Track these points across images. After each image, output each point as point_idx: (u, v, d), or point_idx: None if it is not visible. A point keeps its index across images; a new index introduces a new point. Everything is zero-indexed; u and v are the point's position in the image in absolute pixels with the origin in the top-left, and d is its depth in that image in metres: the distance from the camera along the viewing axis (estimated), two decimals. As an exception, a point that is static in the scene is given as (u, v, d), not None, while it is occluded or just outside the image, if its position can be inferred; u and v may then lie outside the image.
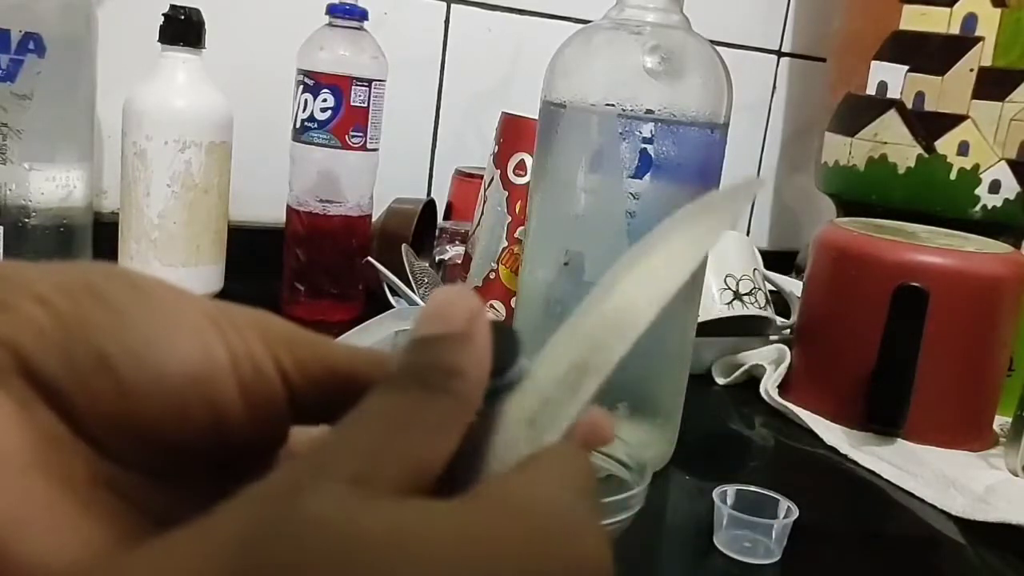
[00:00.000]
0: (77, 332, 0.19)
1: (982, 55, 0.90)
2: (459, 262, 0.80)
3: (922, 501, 0.60)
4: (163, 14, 0.73)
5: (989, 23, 0.90)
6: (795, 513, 0.49)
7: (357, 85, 0.76)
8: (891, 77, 0.95)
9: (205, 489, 0.20)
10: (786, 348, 0.77)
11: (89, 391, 0.19)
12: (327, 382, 0.22)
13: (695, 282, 0.57)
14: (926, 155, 0.94)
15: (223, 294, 0.81)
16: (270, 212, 0.87)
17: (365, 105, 0.77)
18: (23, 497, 0.18)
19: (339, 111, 0.76)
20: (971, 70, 0.91)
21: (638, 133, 0.52)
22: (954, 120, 0.92)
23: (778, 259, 1.10)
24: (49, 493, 0.18)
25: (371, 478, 0.17)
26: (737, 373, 0.77)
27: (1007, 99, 0.90)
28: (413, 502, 0.17)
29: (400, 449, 0.18)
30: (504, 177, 0.72)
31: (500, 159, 0.72)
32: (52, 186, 0.72)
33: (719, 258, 0.76)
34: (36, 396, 0.19)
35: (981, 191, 0.93)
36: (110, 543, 0.19)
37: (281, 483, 0.17)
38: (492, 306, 0.73)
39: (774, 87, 1.23)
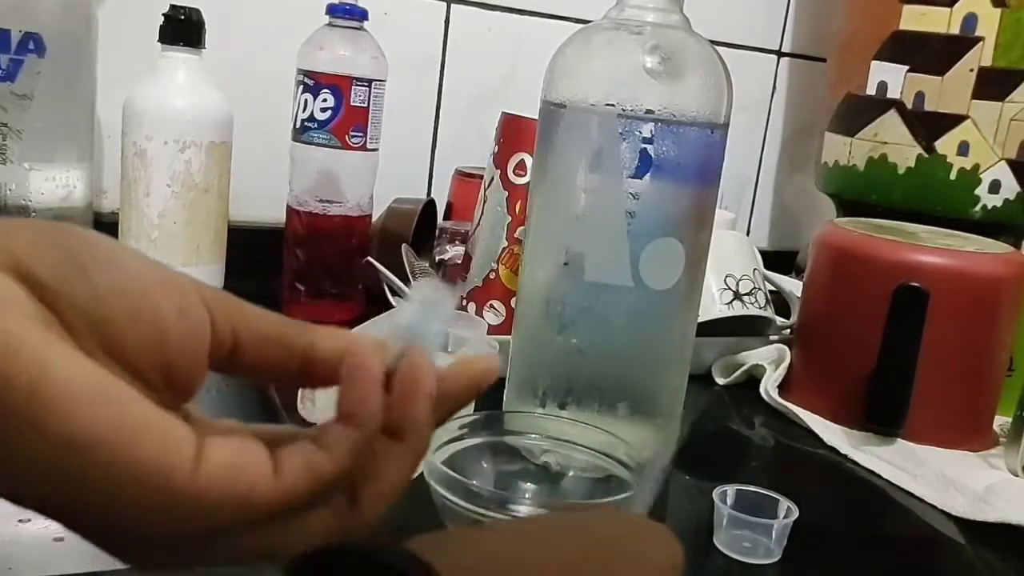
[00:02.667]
0: (62, 245, 0.24)
1: (982, 55, 0.90)
2: (459, 262, 0.80)
3: (922, 501, 0.60)
4: (163, 14, 0.73)
5: (989, 23, 0.90)
6: (795, 513, 0.49)
7: (357, 85, 0.76)
8: (891, 77, 0.95)
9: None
10: (786, 348, 0.77)
11: (71, 293, 0.23)
12: (242, 325, 0.27)
13: (695, 283, 0.57)
14: (926, 155, 0.94)
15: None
16: (270, 212, 0.87)
17: (365, 105, 0.77)
18: (47, 333, 0.23)
19: (339, 111, 0.76)
20: (971, 70, 0.91)
21: (638, 133, 0.52)
22: (954, 120, 0.92)
23: (778, 259, 1.10)
24: (63, 340, 0.23)
25: None
26: (737, 373, 0.77)
27: (1007, 99, 0.90)
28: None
29: None
30: (504, 177, 0.72)
31: (500, 159, 0.72)
32: (52, 186, 0.72)
33: (719, 258, 0.76)
34: (28, 290, 0.23)
35: (981, 191, 0.93)
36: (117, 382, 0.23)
37: None
38: (492, 306, 0.73)
39: (774, 87, 1.23)
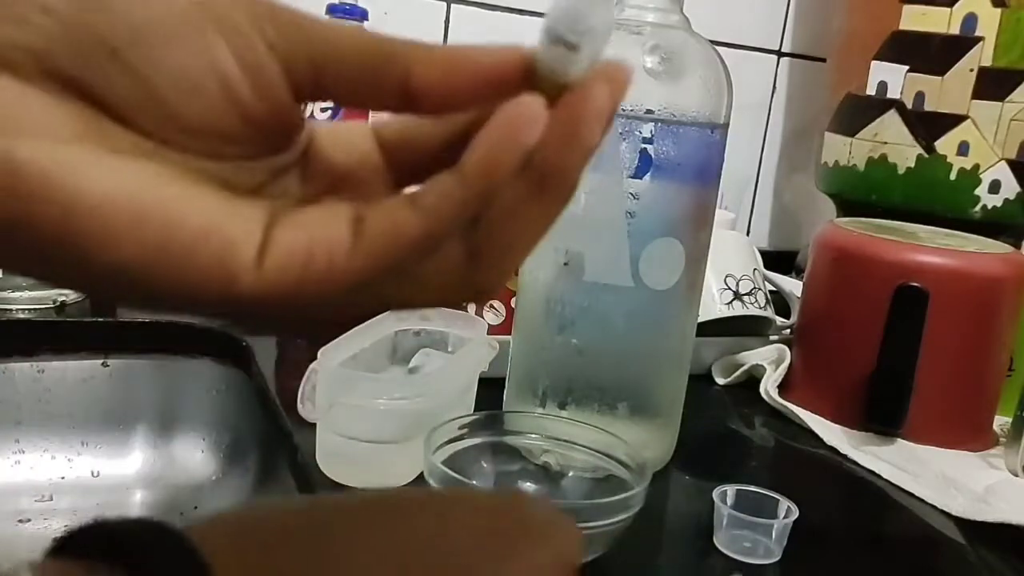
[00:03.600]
0: (84, 33, 0.21)
1: (982, 55, 0.90)
2: (459, 262, 0.79)
3: (922, 501, 0.60)
4: (163, 14, 0.73)
5: (989, 23, 0.90)
6: (795, 513, 0.49)
7: (357, 85, 0.76)
8: (891, 77, 0.95)
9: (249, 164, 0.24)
10: (786, 348, 0.77)
11: (108, 81, 0.21)
12: (312, 51, 0.23)
13: (695, 283, 0.57)
14: (926, 155, 0.94)
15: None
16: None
17: (365, 105, 0.77)
18: (80, 152, 0.20)
19: (339, 111, 0.76)
20: (971, 70, 0.91)
21: (638, 133, 0.52)
22: (954, 120, 0.92)
23: (778, 259, 1.10)
24: (100, 152, 0.21)
25: None
26: (737, 373, 0.77)
27: (1007, 99, 0.90)
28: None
29: None
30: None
31: (500, 159, 0.72)
32: (52, 186, 0.71)
33: (719, 258, 0.76)
34: (62, 89, 0.21)
35: (981, 191, 0.93)
36: (171, 177, 0.22)
37: None
38: (492, 306, 0.73)
39: (774, 87, 1.23)
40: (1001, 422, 0.71)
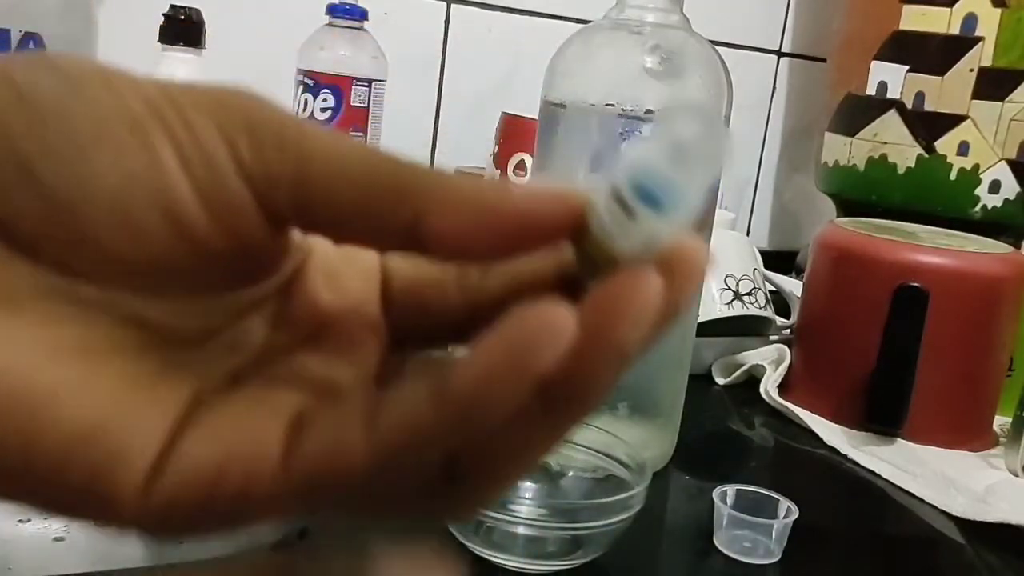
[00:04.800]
0: None
1: (982, 55, 0.90)
2: (459, 262, 0.79)
3: (922, 501, 0.60)
4: (163, 14, 0.73)
5: (989, 23, 0.90)
6: (795, 513, 0.49)
7: (357, 85, 0.76)
8: (891, 77, 0.95)
9: (211, 295, 0.19)
10: (786, 348, 0.77)
11: (16, 205, 0.16)
12: (296, 182, 0.17)
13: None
14: (926, 155, 0.94)
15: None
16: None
17: (365, 105, 0.77)
18: None
19: (339, 111, 0.76)
20: (971, 70, 0.91)
21: (638, 133, 0.52)
22: (954, 120, 0.92)
23: (778, 259, 1.10)
24: None
25: None
26: (737, 373, 0.77)
27: (1007, 99, 0.90)
28: None
29: None
30: (504, 177, 0.72)
31: (500, 159, 0.72)
32: (52, 186, 0.72)
33: (719, 258, 0.76)
34: None
35: (981, 191, 0.93)
36: (69, 349, 0.17)
37: None
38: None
39: (774, 87, 1.23)
40: (1001, 422, 0.71)
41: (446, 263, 0.20)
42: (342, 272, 0.21)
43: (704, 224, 0.56)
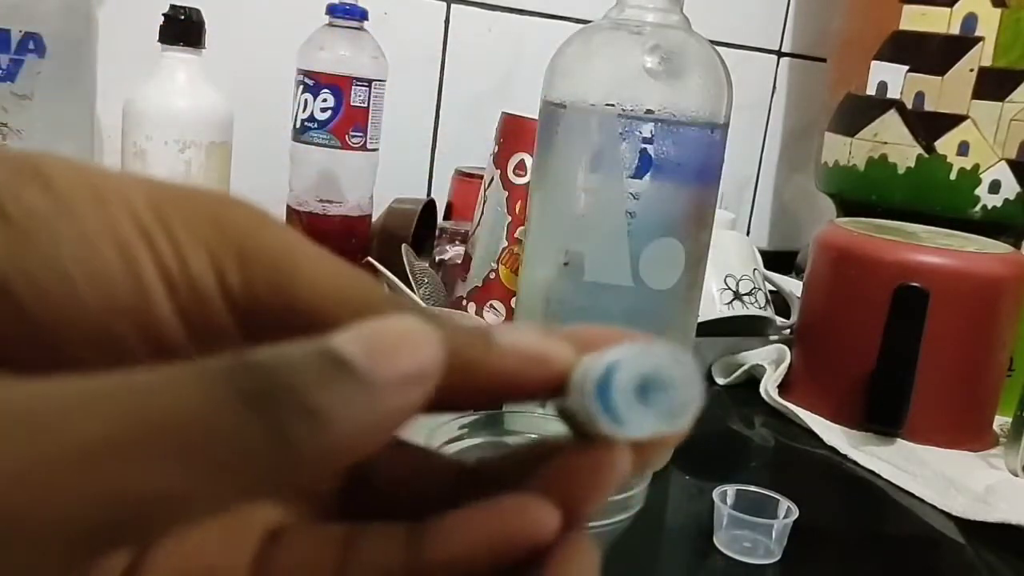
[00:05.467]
0: None
1: (982, 55, 0.90)
2: (459, 262, 0.80)
3: (922, 501, 0.60)
4: (163, 14, 0.73)
5: (989, 23, 0.90)
6: (795, 513, 0.49)
7: (357, 85, 0.76)
8: (891, 77, 0.95)
9: None
10: (786, 348, 0.77)
11: None
12: (281, 310, 0.17)
13: (695, 283, 0.57)
14: (926, 155, 0.94)
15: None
16: (270, 212, 0.87)
17: (365, 105, 0.77)
18: None
19: (339, 111, 0.76)
20: (971, 70, 0.91)
21: (638, 133, 0.52)
22: (954, 120, 0.92)
23: (778, 259, 1.10)
24: None
25: None
26: (737, 373, 0.77)
27: (1007, 99, 0.90)
28: None
29: None
30: (504, 177, 0.72)
31: (500, 159, 0.72)
32: (52, 186, 0.71)
33: (719, 258, 0.76)
34: None
35: (981, 191, 0.93)
36: None
37: None
38: (492, 306, 0.73)
39: (774, 87, 1.23)
40: (1001, 422, 0.71)
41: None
42: None
43: (704, 223, 0.56)
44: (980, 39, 0.90)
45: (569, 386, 0.17)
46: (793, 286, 0.91)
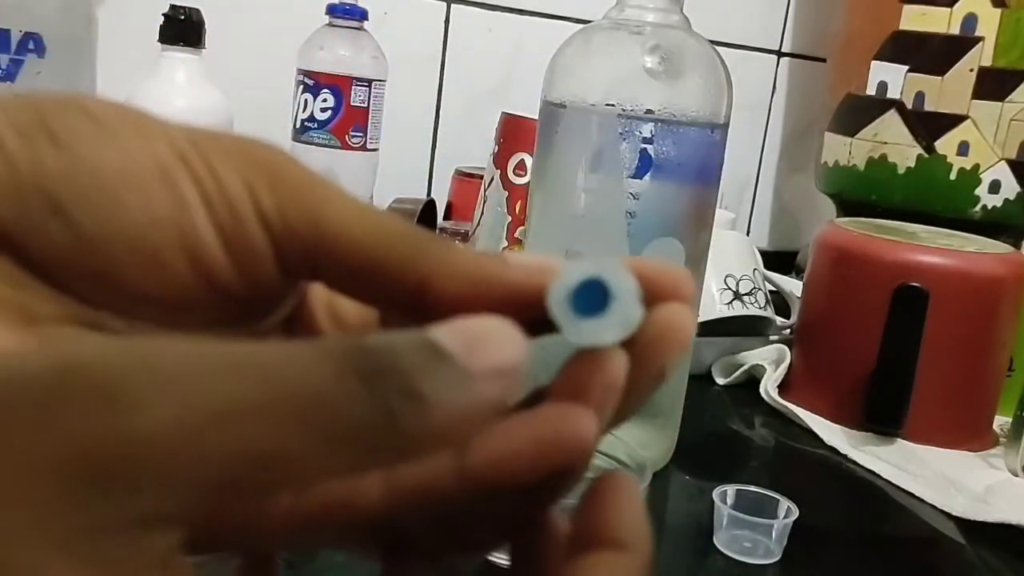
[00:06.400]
0: (28, 177, 0.17)
1: (982, 55, 0.90)
2: (459, 262, 0.79)
3: (922, 501, 0.60)
4: (163, 14, 0.73)
5: (989, 23, 0.90)
6: (795, 513, 0.49)
7: (357, 85, 0.76)
8: (891, 77, 0.95)
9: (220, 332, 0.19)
10: (786, 348, 0.77)
11: (44, 239, 0.17)
12: (311, 237, 0.19)
13: (696, 283, 0.57)
14: (926, 155, 0.94)
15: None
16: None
17: (365, 105, 0.77)
18: None
19: (339, 111, 0.76)
20: (971, 70, 0.91)
21: (638, 133, 0.52)
22: (954, 120, 0.92)
23: (778, 259, 1.10)
24: (9, 331, 0.17)
25: None
26: (737, 373, 0.77)
27: (1007, 99, 0.90)
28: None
29: None
30: (504, 177, 0.72)
31: (500, 159, 0.72)
32: (52, 186, 0.71)
33: (719, 258, 0.76)
34: None
35: (981, 191, 0.93)
36: None
37: None
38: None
39: (774, 87, 1.23)
40: (1001, 422, 0.71)
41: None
42: (341, 303, 0.22)
43: (704, 223, 0.56)
44: (980, 39, 0.90)
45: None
46: (793, 286, 0.91)
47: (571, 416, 0.17)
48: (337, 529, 0.19)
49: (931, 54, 0.93)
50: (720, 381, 0.78)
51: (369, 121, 0.78)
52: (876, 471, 0.63)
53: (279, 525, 0.18)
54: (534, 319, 0.18)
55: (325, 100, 0.76)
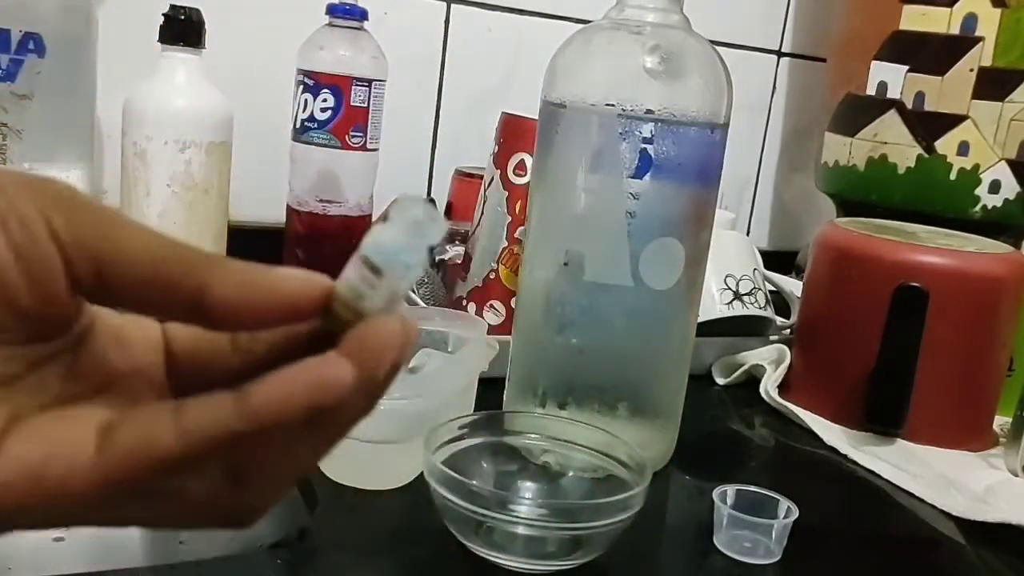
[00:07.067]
0: None
1: (982, 55, 0.90)
2: (459, 262, 0.80)
3: (922, 501, 0.60)
4: (163, 14, 0.73)
5: (989, 23, 0.90)
6: (795, 513, 0.49)
7: (357, 85, 0.76)
8: (891, 77, 0.95)
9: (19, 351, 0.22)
10: (786, 348, 0.77)
11: None
12: (99, 252, 0.21)
13: (695, 283, 0.57)
14: (926, 155, 0.94)
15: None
16: (270, 212, 0.87)
17: (365, 105, 0.77)
18: None
19: (339, 111, 0.76)
20: (971, 70, 0.91)
21: (638, 133, 0.52)
22: (954, 120, 0.92)
23: (778, 259, 1.10)
24: None
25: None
26: (737, 373, 0.77)
27: (1007, 99, 0.90)
28: None
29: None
30: (504, 177, 0.72)
31: (500, 159, 0.72)
32: (52, 186, 0.71)
33: (719, 258, 0.76)
34: None
35: (981, 191, 0.93)
36: None
37: None
38: (492, 306, 0.73)
39: (774, 87, 1.23)
40: (1001, 422, 0.71)
41: (221, 331, 0.24)
42: (128, 338, 0.25)
43: (704, 223, 0.56)
44: (980, 39, 0.90)
45: (338, 288, 0.22)
46: (793, 286, 0.91)
47: (330, 362, 0.21)
48: (140, 483, 0.21)
49: (931, 54, 0.93)
50: (720, 381, 0.78)
51: (369, 121, 0.78)
52: (876, 471, 0.63)
53: (85, 485, 0.21)
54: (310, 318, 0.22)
55: (325, 100, 0.76)
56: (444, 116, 1.01)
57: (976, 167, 0.92)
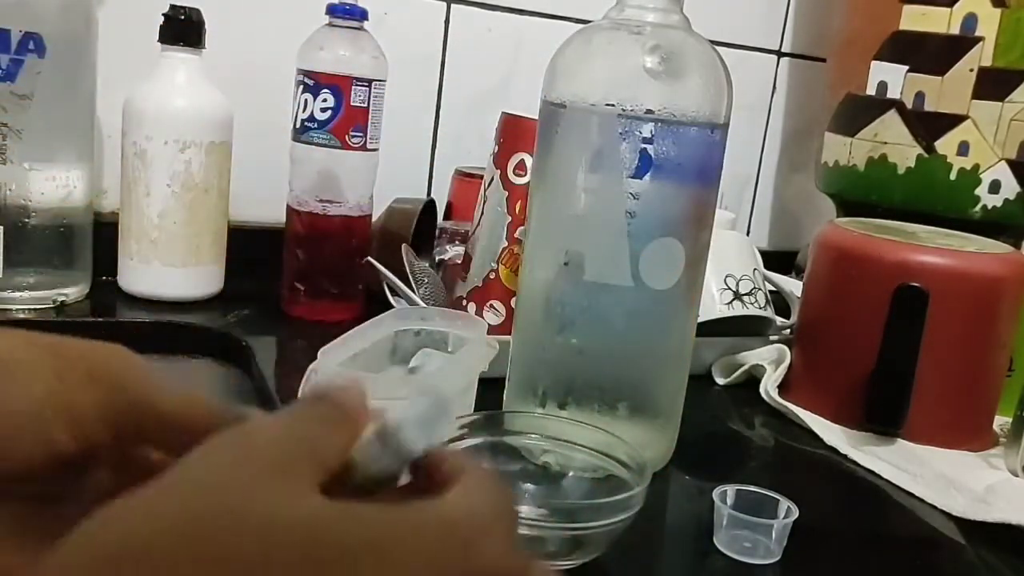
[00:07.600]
0: None
1: (982, 55, 0.90)
2: (459, 262, 0.80)
3: (922, 501, 0.60)
4: (163, 14, 0.73)
5: (989, 23, 0.90)
6: (795, 513, 0.49)
7: (357, 85, 0.76)
8: (891, 77, 0.95)
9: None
10: (786, 348, 0.77)
11: None
12: (150, 424, 0.27)
13: (695, 283, 0.57)
14: (926, 155, 0.94)
15: (223, 294, 0.81)
16: (270, 212, 0.87)
17: (365, 105, 0.77)
18: None
19: (339, 111, 0.76)
20: (971, 70, 0.91)
21: (638, 133, 0.52)
22: (954, 120, 0.92)
23: (778, 259, 1.10)
24: None
25: (288, 469, 0.21)
26: (737, 373, 0.77)
27: (1007, 99, 0.90)
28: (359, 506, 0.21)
29: (309, 445, 0.23)
30: (504, 177, 0.72)
31: (500, 159, 0.72)
32: (52, 186, 0.72)
33: (719, 258, 0.76)
34: None
35: (981, 191, 0.93)
36: None
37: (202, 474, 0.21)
38: (492, 306, 0.73)
39: (774, 87, 1.23)
40: (1001, 422, 0.71)
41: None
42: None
43: (704, 223, 0.56)
44: (980, 39, 0.90)
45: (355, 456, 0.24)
46: (793, 286, 0.91)
47: None
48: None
49: (931, 54, 0.93)
50: (720, 381, 0.78)
51: (369, 121, 0.78)
52: (876, 471, 0.63)
53: None
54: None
55: (325, 100, 0.76)
56: (444, 116, 1.01)
57: (976, 167, 0.92)
